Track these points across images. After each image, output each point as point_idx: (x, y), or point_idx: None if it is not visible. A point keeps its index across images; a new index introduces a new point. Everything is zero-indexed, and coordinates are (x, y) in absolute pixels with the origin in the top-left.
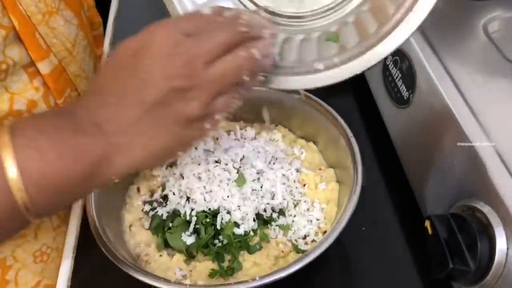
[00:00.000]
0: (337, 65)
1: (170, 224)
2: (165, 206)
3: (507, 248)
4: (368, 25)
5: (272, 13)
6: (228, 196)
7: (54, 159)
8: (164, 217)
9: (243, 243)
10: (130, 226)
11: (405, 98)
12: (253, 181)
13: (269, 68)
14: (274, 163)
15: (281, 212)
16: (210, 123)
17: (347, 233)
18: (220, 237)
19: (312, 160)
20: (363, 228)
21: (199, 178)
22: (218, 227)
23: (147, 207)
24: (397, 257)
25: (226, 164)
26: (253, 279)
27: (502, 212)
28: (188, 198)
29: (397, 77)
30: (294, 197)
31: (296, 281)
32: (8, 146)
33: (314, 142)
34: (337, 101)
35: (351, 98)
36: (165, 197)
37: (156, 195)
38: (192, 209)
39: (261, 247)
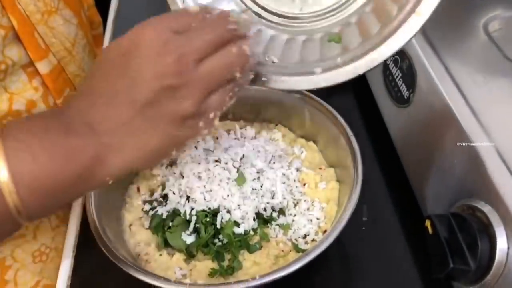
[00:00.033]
0: (340, 66)
1: (170, 224)
2: (165, 206)
3: (508, 248)
4: (371, 26)
5: (275, 14)
6: (228, 195)
7: (46, 161)
8: (164, 216)
9: (243, 242)
10: (130, 225)
11: (406, 97)
12: (253, 180)
13: (254, 67)
14: (274, 162)
15: (281, 211)
16: (204, 122)
17: (347, 232)
18: (220, 236)
19: (312, 159)
20: (363, 228)
21: (199, 177)
22: (218, 226)
23: (147, 207)
24: (397, 256)
25: (226, 163)
26: (253, 278)
27: (502, 212)
28: (188, 197)
29: (397, 77)
30: (294, 196)
31: (296, 280)
32: None
33: (314, 142)
34: (337, 100)
35: (351, 98)
36: (165, 197)
37: (156, 195)
38: (192, 208)
39: (261, 246)
